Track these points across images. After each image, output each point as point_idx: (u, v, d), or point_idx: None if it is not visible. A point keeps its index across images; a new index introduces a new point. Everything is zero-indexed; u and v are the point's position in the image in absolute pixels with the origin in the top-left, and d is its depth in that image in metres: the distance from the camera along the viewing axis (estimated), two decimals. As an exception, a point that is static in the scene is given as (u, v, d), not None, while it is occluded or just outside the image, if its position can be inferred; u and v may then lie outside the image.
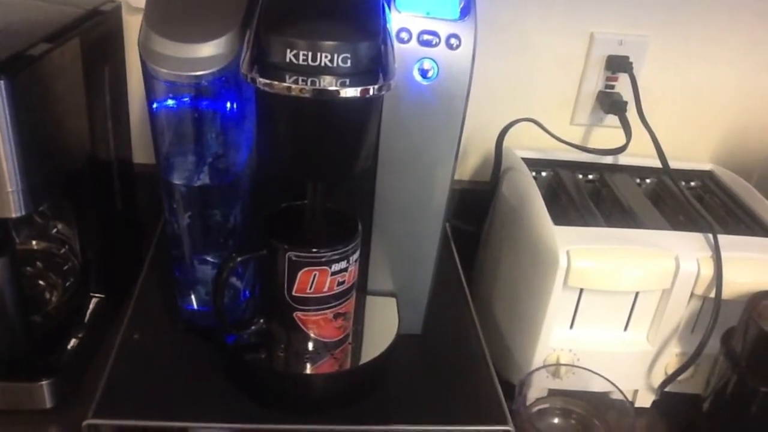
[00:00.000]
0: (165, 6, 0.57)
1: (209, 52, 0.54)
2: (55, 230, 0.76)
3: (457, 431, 0.64)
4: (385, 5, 0.59)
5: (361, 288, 0.70)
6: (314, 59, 0.50)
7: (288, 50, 0.50)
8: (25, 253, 0.75)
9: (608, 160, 0.92)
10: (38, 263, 0.76)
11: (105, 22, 0.75)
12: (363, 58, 0.52)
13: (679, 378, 0.76)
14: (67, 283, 0.76)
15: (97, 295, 0.78)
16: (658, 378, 0.77)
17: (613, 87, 0.95)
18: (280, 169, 0.59)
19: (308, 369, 0.65)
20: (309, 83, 0.50)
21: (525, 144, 0.91)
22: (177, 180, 0.62)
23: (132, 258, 0.86)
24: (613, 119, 0.92)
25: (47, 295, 0.75)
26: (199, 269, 0.67)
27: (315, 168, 0.57)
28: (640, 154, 0.89)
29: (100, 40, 0.73)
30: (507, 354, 0.79)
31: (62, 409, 0.69)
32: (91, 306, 0.78)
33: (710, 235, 0.73)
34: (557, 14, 0.91)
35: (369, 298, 0.73)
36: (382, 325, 0.70)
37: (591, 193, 0.88)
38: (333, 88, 0.50)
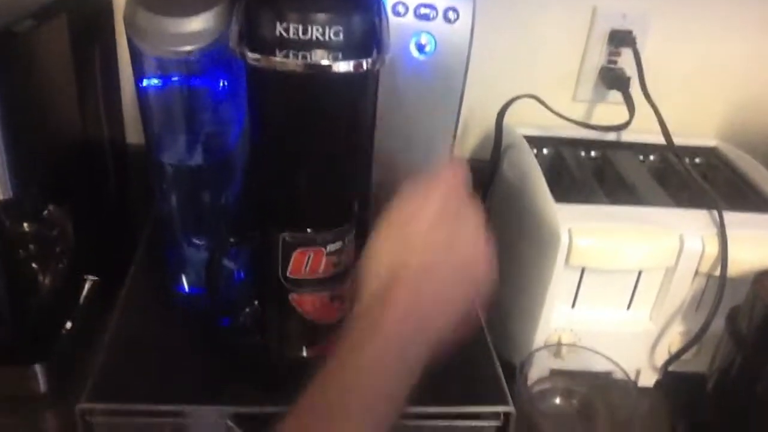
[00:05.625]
0: (151, -21, 0.55)
1: (197, 26, 0.52)
2: (46, 212, 0.74)
3: (457, 413, 0.63)
4: (380, -24, 0.57)
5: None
6: (305, 32, 0.48)
7: (278, 23, 0.48)
8: (17, 235, 0.73)
9: (611, 136, 0.90)
10: (30, 246, 0.74)
11: (93, -3, 0.73)
12: (356, 32, 0.50)
13: (683, 357, 0.75)
14: (60, 266, 0.75)
15: (90, 277, 0.77)
16: (661, 357, 0.76)
17: (616, 62, 0.93)
18: (272, 148, 0.58)
19: (304, 352, 0.64)
20: (300, 57, 0.49)
21: (526, 121, 0.90)
22: (168, 160, 0.60)
23: (126, 239, 0.85)
24: (616, 95, 0.90)
25: (40, 278, 0.74)
26: (191, 251, 0.66)
27: (307, 146, 0.55)
28: (643, 131, 0.88)
29: (88, 16, 0.72)
30: (507, 334, 0.78)
31: (57, 393, 0.68)
32: (85, 289, 0.77)
33: (715, 212, 0.72)
34: (559, -13, 0.89)
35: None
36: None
37: (593, 171, 0.87)
38: (325, 62, 0.49)
